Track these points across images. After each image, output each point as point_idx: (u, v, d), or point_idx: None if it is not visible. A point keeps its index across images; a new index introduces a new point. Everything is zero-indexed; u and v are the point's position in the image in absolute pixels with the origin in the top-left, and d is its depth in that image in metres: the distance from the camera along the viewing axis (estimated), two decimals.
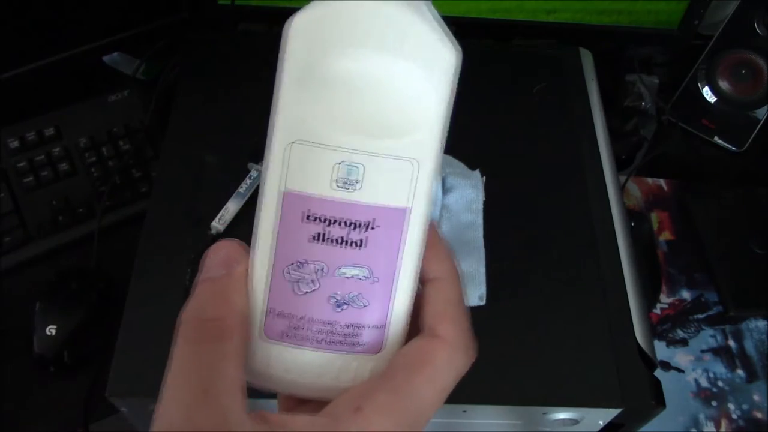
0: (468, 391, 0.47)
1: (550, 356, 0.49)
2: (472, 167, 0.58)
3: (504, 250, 0.53)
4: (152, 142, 0.69)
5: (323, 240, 0.20)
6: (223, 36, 0.68)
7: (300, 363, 0.22)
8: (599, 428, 0.51)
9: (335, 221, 0.20)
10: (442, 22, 0.20)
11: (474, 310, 0.50)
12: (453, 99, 0.21)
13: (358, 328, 0.21)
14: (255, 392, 0.21)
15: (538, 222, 0.56)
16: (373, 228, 0.20)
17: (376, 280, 0.21)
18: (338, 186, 0.20)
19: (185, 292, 0.49)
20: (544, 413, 0.48)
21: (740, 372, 0.66)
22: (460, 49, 0.20)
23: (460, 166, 0.58)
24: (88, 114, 0.70)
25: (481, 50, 0.69)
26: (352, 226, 0.20)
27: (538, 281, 0.52)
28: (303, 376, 0.22)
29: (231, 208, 0.54)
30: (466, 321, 0.22)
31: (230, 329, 0.20)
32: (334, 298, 0.21)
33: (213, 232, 0.53)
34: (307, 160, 0.20)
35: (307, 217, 0.20)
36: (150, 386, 0.47)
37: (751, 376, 0.66)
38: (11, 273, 0.62)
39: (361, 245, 0.21)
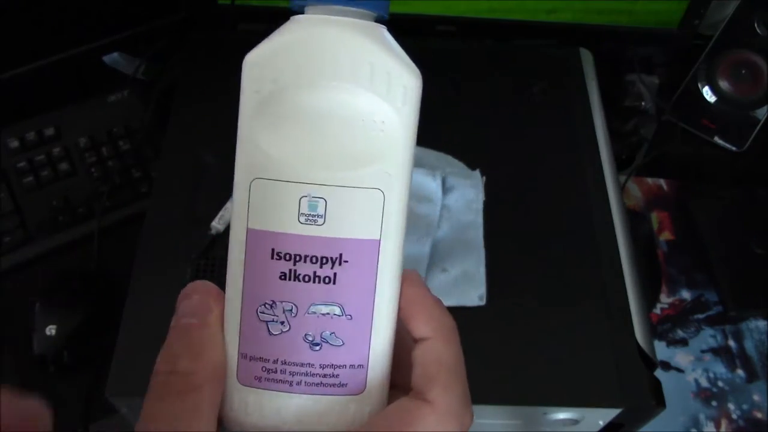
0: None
1: (550, 356, 0.49)
2: (472, 167, 0.58)
3: (504, 250, 0.53)
4: (152, 142, 0.69)
5: (292, 278, 0.20)
6: (223, 36, 0.68)
7: (278, 408, 0.20)
8: (599, 428, 0.51)
9: (303, 258, 0.19)
10: (399, 47, 0.19)
11: (474, 310, 0.50)
12: (417, 125, 0.20)
13: (336, 368, 0.20)
14: None
15: (538, 222, 0.56)
16: (341, 263, 0.19)
17: (350, 317, 0.20)
18: (303, 221, 0.19)
19: None
20: (544, 413, 0.48)
21: (740, 372, 0.66)
22: (420, 74, 0.19)
23: (460, 166, 0.58)
24: (88, 114, 0.70)
25: (481, 50, 0.69)
26: (321, 262, 0.19)
27: (538, 281, 0.52)
28: (283, 421, 0.20)
29: (231, 208, 0.54)
30: (461, 385, 0.21)
31: (201, 382, 0.20)
32: (308, 338, 0.20)
33: (213, 232, 0.53)
34: (269, 197, 0.19)
35: (274, 255, 0.19)
36: None
37: (751, 376, 0.66)
38: (11, 273, 0.62)
39: (331, 281, 0.20)
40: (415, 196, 0.55)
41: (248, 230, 0.19)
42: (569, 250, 0.54)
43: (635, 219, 0.75)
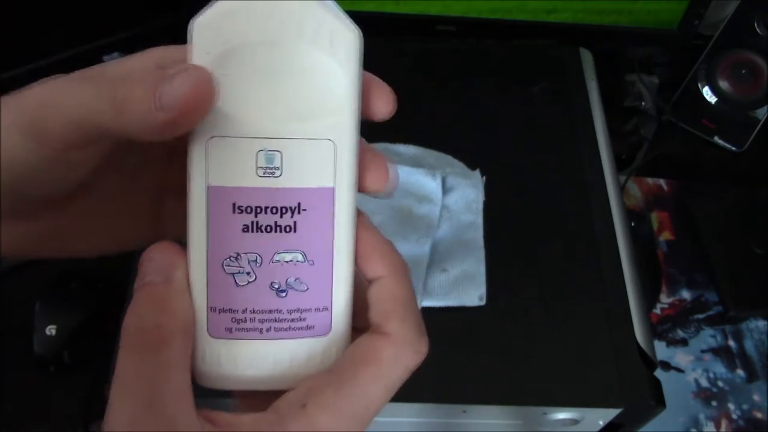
0: (468, 391, 0.47)
1: (550, 356, 0.49)
2: (472, 167, 0.58)
3: (504, 250, 0.53)
4: None
5: (255, 230, 0.21)
6: None
7: (250, 356, 0.21)
8: (599, 428, 0.51)
9: (263, 209, 0.21)
10: (340, 9, 0.20)
11: (474, 310, 0.50)
12: (361, 79, 0.21)
13: (303, 312, 0.21)
14: (218, 393, 0.21)
15: (538, 222, 0.56)
16: (300, 211, 0.21)
17: (312, 262, 0.21)
18: (261, 174, 0.20)
19: None
20: (544, 413, 0.48)
21: (740, 372, 0.66)
22: (360, 32, 0.20)
23: (460, 166, 0.58)
24: None
25: (481, 50, 0.69)
26: (281, 212, 0.21)
27: (538, 281, 0.52)
28: (256, 368, 0.21)
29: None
30: (415, 317, 0.22)
31: (171, 336, 0.20)
32: (274, 285, 0.21)
33: None
34: (227, 154, 0.20)
35: (236, 209, 0.20)
36: None
37: (751, 376, 0.66)
38: (11, 273, 0.62)
39: (292, 229, 0.21)
40: (415, 196, 0.55)
41: (209, 188, 0.20)
42: (569, 250, 0.54)
43: (635, 219, 0.75)
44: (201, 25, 0.19)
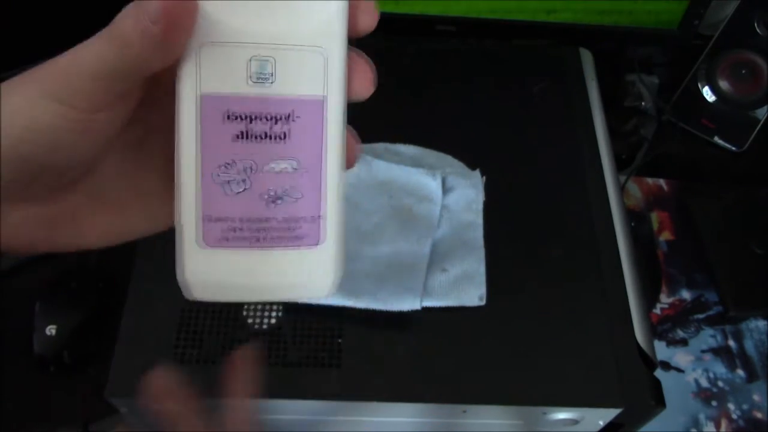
0: (468, 391, 0.47)
1: (550, 356, 0.49)
2: (472, 167, 0.58)
3: (504, 250, 0.53)
4: None
5: (247, 137, 0.20)
6: None
7: (244, 264, 0.21)
8: (599, 428, 0.51)
9: (256, 117, 0.20)
10: None
11: (474, 310, 0.50)
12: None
13: (296, 221, 0.21)
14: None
15: (538, 222, 0.56)
16: (294, 119, 0.20)
17: (305, 170, 0.21)
18: (253, 81, 0.20)
19: None
20: (544, 413, 0.48)
21: (740, 372, 0.66)
22: None
23: (460, 166, 0.58)
24: None
25: (481, 50, 0.69)
26: (274, 120, 0.20)
27: (538, 281, 0.52)
28: (248, 277, 0.21)
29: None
30: None
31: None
32: (268, 193, 0.21)
33: None
34: (219, 60, 0.20)
35: (228, 117, 0.20)
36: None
37: (751, 376, 0.66)
38: (11, 273, 0.62)
39: (284, 138, 0.21)
40: (415, 196, 0.55)
41: (201, 96, 0.20)
42: (569, 250, 0.54)
43: (635, 219, 0.75)
44: None
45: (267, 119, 0.20)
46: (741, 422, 0.63)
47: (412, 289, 0.49)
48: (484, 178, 0.57)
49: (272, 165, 0.21)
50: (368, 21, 0.23)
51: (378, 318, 0.49)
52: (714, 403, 0.64)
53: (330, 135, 0.21)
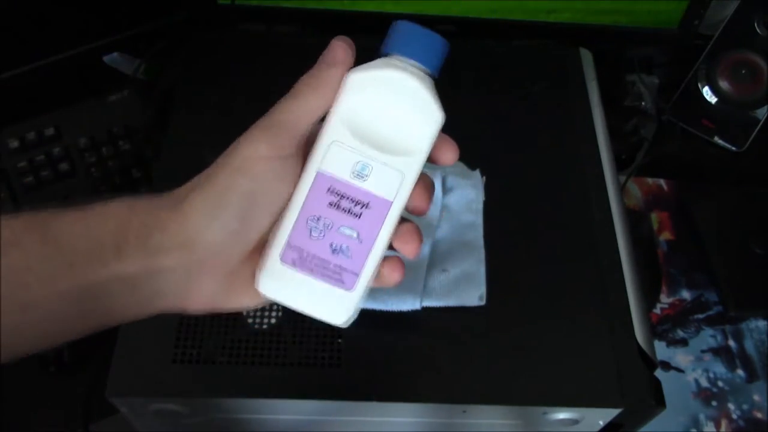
0: (468, 391, 0.47)
1: (550, 356, 0.49)
2: (472, 167, 0.58)
3: (504, 250, 0.53)
4: (152, 142, 0.69)
5: (336, 207, 0.30)
6: (223, 36, 0.68)
7: (300, 283, 0.31)
8: (599, 428, 0.51)
9: (346, 197, 0.30)
10: (436, 93, 0.31)
11: (474, 310, 0.50)
12: (435, 139, 0.31)
13: (342, 269, 0.31)
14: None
15: (538, 222, 0.56)
16: (368, 208, 0.30)
17: (361, 241, 0.31)
18: (354, 175, 0.30)
19: None
20: (544, 413, 0.48)
21: (740, 372, 0.66)
22: (444, 114, 0.31)
23: (460, 166, 0.58)
24: (88, 114, 0.70)
25: (481, 50, 0.69)
26: (355, 203, 0.30)
27: (538, 281, 0.52)
28: (299, 291, 0.31)
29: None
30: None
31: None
32: (332, 245, 0.31)
33: None
34: (338, 155, 0.30)
35: (329, 190, 0.30)
36: (150, 386, 0.47)
37: (751, 376, 0.66)
38: None
39: (358, 216, 0.30)
40: None
41: (318, 171, 0.30)
42: (569, 251, 0.54)
43: (635, 219, 0.75)
44: (353, 80, 0.30)
45: (351, 201, 0.30)
46: (741, 422, 0.63)
47: (412, 289, 0.49)
48: (484, 178, 0.57)
49: (343, 229, 0.30)
50: (449, 157, 0.33)
51: (378, 318, 0.49)
52: (714, 403, 0.64)
53: (385, 226, 0.31)
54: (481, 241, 0.53)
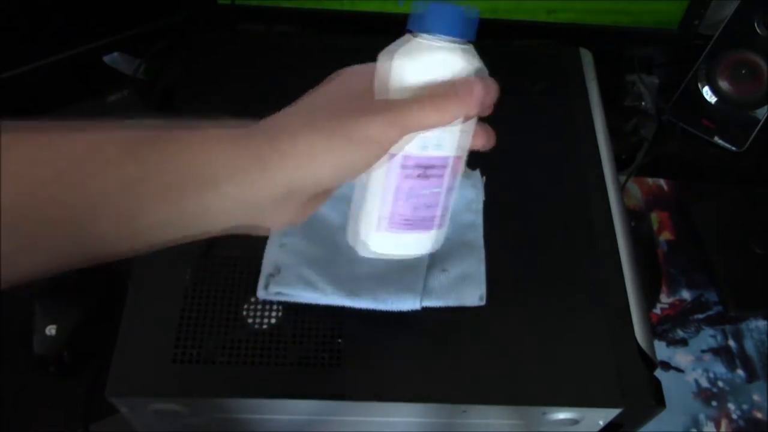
0: (468, 391, 0.47)
1: (550, 356, 0.49)
2: (472, 167, 0.58)
3: (504, 250, 0.53)
4: None
5: (414, 177, 0.35)
6: (223, 36, 0.68)
7: (398, 239, 0.37)
8: (599, 428, 0.51)
9: (420, 166, 0.35)
10: (472, 55, 0.36)
11: (474, 310, 0.50)
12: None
13: (428, 219, 0.37)
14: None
15: (538, 222, 0.56)
16: (438, 168, 0.35)
17: (437, 194, 0.36)
18: (421, 149, 0.34)
19: (185, 292, 0.50)
20: (544, 413, 0.48)
21: (740, 372, 0.66)
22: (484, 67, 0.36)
23: None
24: (88, 114, 0.70)
25: (481, 50, 0.69)
26: (427, 167, 0.35)
27: (538, 281, 0.52)
28: (399, 245, 0.38)
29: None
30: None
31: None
32: (416, 205, 0.36)
33: None
34: (415, 139, 0.34)
35: (404, 166, 0.35)
36: (150, 386, 0.47)
37: (751, 376, 0.66)
38: None
39: (432, 177, 0.35)
40: None
41: (403, 155, 0.34)
42: (569, 250, 0.54)
43: (635, 219, 0.75)
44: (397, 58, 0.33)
45: (424, 167, 0.35)
46: (741, 422, 0.63)
47: (412, 289, 0.49)
48: (484, 178, 0.57)
49: (423, 191, 0.36)
50: (482, 142, 0.37)
51: (378, 318, 0.49)
52: (714, 403, 0.64)
53: (452, 173, 0.36)
54: (481, 241, 0.53)
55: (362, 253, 0.38)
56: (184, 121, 0.30)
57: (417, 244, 0.38)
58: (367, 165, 0.32)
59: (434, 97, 0.32)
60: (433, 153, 0.35)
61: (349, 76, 0.35)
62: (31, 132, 0.27)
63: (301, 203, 0.33)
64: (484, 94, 0.33)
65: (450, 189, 0.37)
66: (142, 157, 0.28)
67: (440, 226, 0.38)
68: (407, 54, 0.33)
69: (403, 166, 0.35)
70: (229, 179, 0.29)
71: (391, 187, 0.35)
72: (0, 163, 0.25)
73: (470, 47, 0.35)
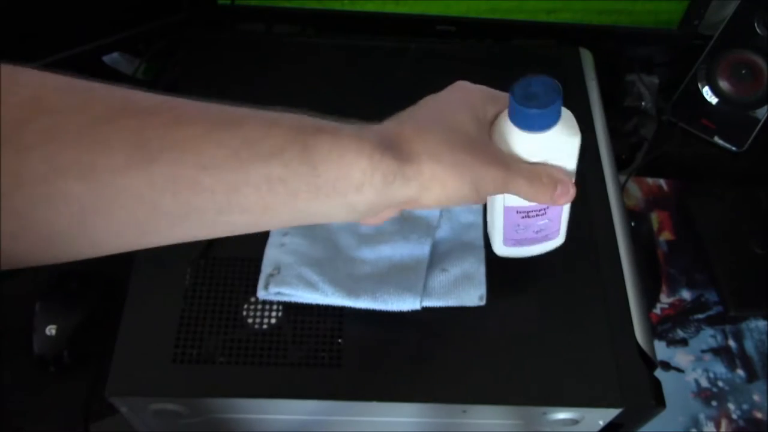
0: (468, 391, 0.47)
1: (550, 356, 0.49)
2: None
3: None
4: None
5: (526, 216, 0.41)
6: (223, 36, 0.68)
7: (518, 250, 0.44)
8: (599, 428, 0.51)
9: (531, 211, 0.40)
10: (570, 129, 0.39)
11: (474, 310, 0.50)
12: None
13: (545, 235, 0.43)
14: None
15: None
16: (546, 211, 0.41)
17: (551, 220, 0.42)
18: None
19: (185, 292, 0.50)
20: (544, 413, 0.48)
21: (740, 372, 0.66)
22: (580, 136, 0.38)
23: None
24: None
25: (481, 50, 0.70)
26: (537, 211, 0.41)
27: (538, 281, 0.52)
28: (521, 252, 0.44)
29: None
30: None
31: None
32: (534, 231, 0.42)
33: None
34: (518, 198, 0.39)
35: (517, 212, 0.40)
36: (150, 386, 0.47)
37: (751, 376, 0.66)
38: (11, 273, 0.62)
39: (543, 213, 0.41)
40: None
41: (505, 206, 0.40)
42: (569, 250, 0.54)
43: (635, 219, 0.75)
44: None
45: (534, 211, 0.40)
46: (741, 422, 0.63)
47: (412, 289, 0.49)
48: None
49: (538, 222, 0.42)
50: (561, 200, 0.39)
51: (378, 318, 0.49)
52: (714, 403, 0.64)
53: (565, 208, 0.42)
54: (481, 241, 0.53)
55: (497, 252, 0.45)
56: (320, 118, 0.32)
57: (538, 249, 0.45)
58: (471, 204, 0.36)
59: (537, 181, 0.36)
60: (531, 204, 0.39)
61: (469, 98, 0.37)
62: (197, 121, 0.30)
63: (394, 211, 0.37)
64: (570, 197, 0.38)
65: (557, 215, 0.42)
66: (287, 160, 0.30)
67: (556, 237, 0.44)
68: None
69: (507, 209, 0.40)
70: (356, 192, 0.32)
71: (503, 222, 0.41)
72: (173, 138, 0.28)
73: (567, 114, 0.39)
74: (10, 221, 0.26)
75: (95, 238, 0.29)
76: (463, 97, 0.37)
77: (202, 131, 0.29)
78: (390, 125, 0.35)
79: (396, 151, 0.33)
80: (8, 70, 0.28)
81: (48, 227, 0.27)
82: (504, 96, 0.37)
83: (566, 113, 0.39)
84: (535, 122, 0.37)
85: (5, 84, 0.26)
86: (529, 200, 0.38)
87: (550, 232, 0.44)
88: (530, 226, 0.43)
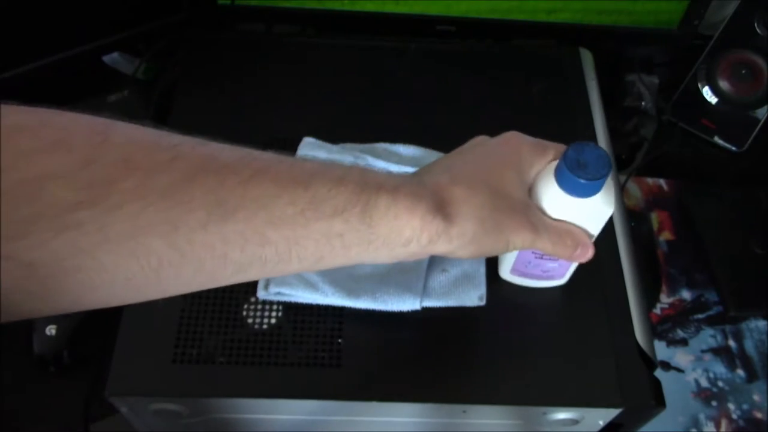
0: (468, 391, 0.47)
1: (550, 356, 0.49)
2: None
3: None
4: None
5: (539, 258, 0.46)
6: (223, 36, 0.68)
7: (522, 280, 0.49)
8: (599, 428, 0.51)
9: (542, 257, 0.46)
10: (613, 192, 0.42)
11: (474, 310, 0.50)
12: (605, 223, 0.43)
13: (551, 275, 0.48)
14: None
15: None
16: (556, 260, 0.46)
17: (560, 266, 0.46)
18: (539, 255, 0.46)
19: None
20: (544, 413, 0.48)
21: (740, 372, 0.66)
22: (612, 208, 0.42)
23: None
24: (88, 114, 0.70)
25: (481, 50, 0.69)
26: (549, 258, 0.45)
27: None
28: (525, 282, 0.50)
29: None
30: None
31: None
32: (542, 270, 0.47)
33: None
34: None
35: (533, 253, 0.45)
36: (150, 386, 0.47)
37: (751, 376, 0.66)
38: None
39: (554, 260, 0.46)
40: None
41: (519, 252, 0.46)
42: None
43: (635, 219, 0.75)
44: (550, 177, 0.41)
45: (547, 258, 0.45)
46: (741, 422, 0.63)
47: (412, 289, 0.49)
48: None
49: (547, 264, 0.46)
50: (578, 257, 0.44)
51: (378, 318, 0.49)
52: (714, 403, 0.64)
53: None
54: None
55: (501, 275, 0.50)
56: (378, 174, 0.35)
57: (541, 284, 0.49)
58: (495, 254, 0.40)
59: (561, 243, 0.40)
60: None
61: (519, 152, 0.42)
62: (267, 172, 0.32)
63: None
64: (588, 258, 0.42)
65: (568, 263, 0.46)
66: (347, 217, 0.33)
67: (561, 278, 0.48)
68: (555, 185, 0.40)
69: (521, 254, 0.46)
70: (403, 246, 0.35)
71: (515, 255, 0.46)
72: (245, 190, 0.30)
73: (609, 184, 0.40)
74: (94, 275, 0.28)
75: (165, 286, 0.31)
76: (512, 152, 0.41)
77: (274, 191, 0.31)
78: (443, 180, 0.37)
79: (445, 212, 0.36)
80: (101, 127, 0.29)
81: (126, 278, 0.29)
82: (553, 148, 0.41)
83: (608, 184, 0.40)
84: (581, 190, 0.39)
85: (98, 144, 0.28)
86: (557, 256, 0.41)
87: (556, 274, 0.47)
88: (540, 265, 0.46)
